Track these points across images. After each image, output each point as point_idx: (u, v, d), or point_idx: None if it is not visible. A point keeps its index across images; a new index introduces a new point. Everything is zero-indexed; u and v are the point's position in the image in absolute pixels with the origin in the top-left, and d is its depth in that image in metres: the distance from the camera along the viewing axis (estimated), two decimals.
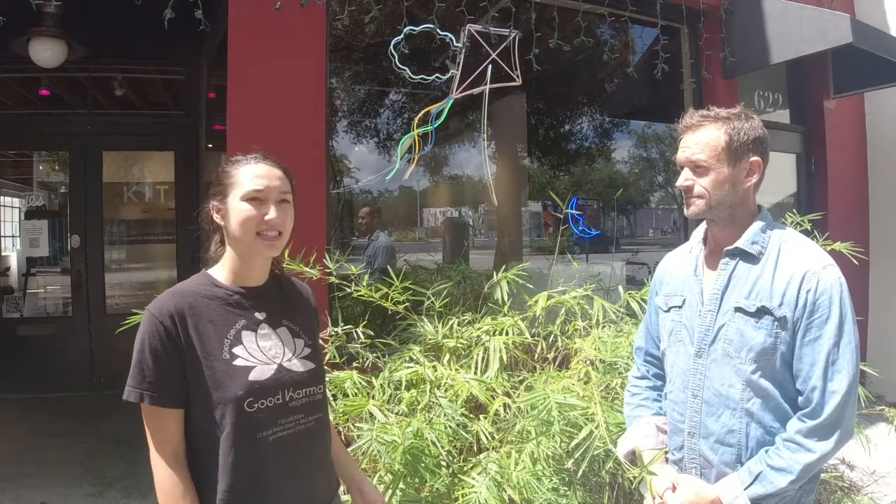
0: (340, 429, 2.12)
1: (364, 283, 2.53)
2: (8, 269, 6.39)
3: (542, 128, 7.21)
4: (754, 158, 1.45)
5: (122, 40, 4.61)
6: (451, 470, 2.04)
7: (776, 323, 1.37)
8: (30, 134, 5.56)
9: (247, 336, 1.27)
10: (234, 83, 3.03)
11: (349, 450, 1.64)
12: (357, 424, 2.04)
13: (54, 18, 3.98)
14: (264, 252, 1.29)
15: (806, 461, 1.32)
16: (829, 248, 2.53)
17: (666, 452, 1.56)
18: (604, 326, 2.47)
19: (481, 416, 2.16)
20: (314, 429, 1.31)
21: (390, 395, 2.24)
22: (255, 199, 1.26)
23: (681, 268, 1.60)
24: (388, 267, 4.21)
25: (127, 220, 5.84)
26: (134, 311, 2.08)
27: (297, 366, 1.30)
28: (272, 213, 1.26)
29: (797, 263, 1.39)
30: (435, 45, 3.39)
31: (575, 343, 2.39)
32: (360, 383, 2.25)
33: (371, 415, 2.07)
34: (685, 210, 1.50)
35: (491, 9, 3.30)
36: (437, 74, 3.03)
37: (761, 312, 1.39)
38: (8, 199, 7.49)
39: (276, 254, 1.33)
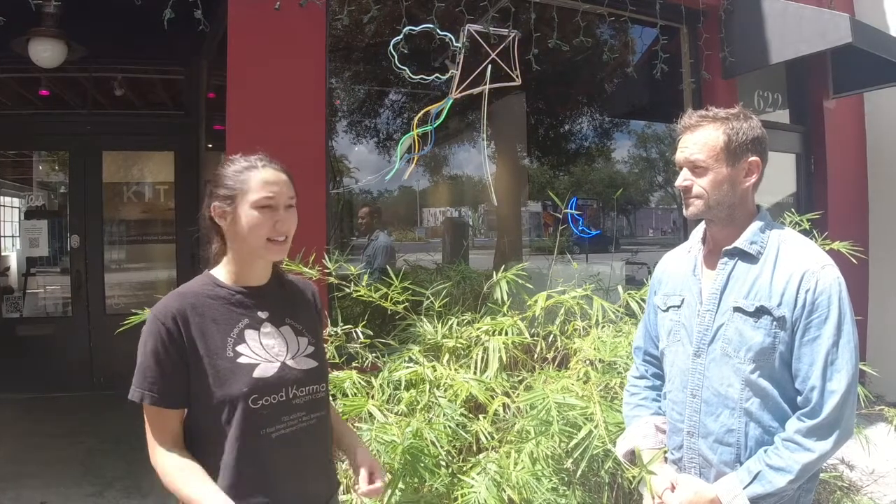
0: None
1: (363, 283, 2.54)
2: (8, 269, 6.40)
3: (541, 128, 7.21)
4: (753, 158, 1.45)
5: (122, 40, 4.61)
6: (450, 470, 2.04)
7: (775, 323, 1.38)
8: (30, 134, 5.56)
9: (250, 334, 1.29)
10: (234, 83, 3.03)
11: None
12: (356, 424, 2.05)
13: (54, 18, 3.98)
14: (274, 257, 1.33)
15: (805, 461, 1.32)
16: (827, 248, 2.53)
17: (665, 452, 1.56)
18: (603, 326, 2.47)
19: (480, 416, 2.16)
20: (316, 427, 1.32)
21: (390, 395, 2.24)
22: (266, 206, 1.27)
23: (679, 267, 1.60)
24: (388, 267, 4.20)
25: (127, 220, 5.84)
26: (134, 311, 2.09)
27: (300, 364, 1.31)
28: (282, 220, 1.29)
29: (796, 263, 1.39)
30: (434, 45, 3.39)
31: (574, 343, 2.39)
32: (360, 383, 2.25)
33: (370, 415, 2.07)
34: (684, 210, 1.50)
35: (490, 9, 3.30)
36: (437, 74, 3.03)
37: (760, 312, 1.39)
38: (8, 199, 7.49)
39: (283, 257, 1.35)
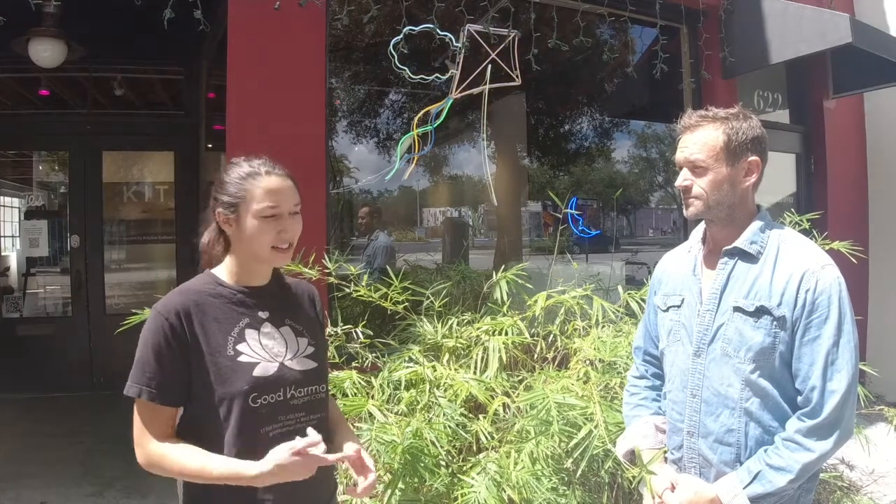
0: None
1: (363, 283, 2.54)
2: (8, 269, 6.40)
3: (541, 128, 7.21)
4: (753, 158, 1.45)
5: (122, 40, 4.61)
6: (450, 470, 2.04)
7: (775, 322, 1.38)
8: (30, 134, 5.56)
9: (250, 334, 1.29)
10: (234, 83, 3.03)
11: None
12: (356, 424, 2.04)
13: (54, 18, 3.98)
14: (279, 263, 1.34)
15: (805, 460, 1.32)
16: (827, 248, 2.53)
17: (665, 452, 1.56)
18: (603, 326, 2.47)
19: (480, 416, 2.16)
20: (315, 428, 1.31)
21: (389, 395, 2.24)
22: (269, 216, 1.27)
23: (679, 267, 1.60)
24: (388, 267, 4.21)
25: (127, 220, 5.84)
26: (134, 311, 2.09)
27: (299, 364, 1.32)
28: (287, 230, 1.29)
29: (796, 263, 1.39)
30: (434, 45, 3.39)
31: (574, 343, 2.39)
32: (360, 383, 2.25)
33: (370, 414, 2.08)
34: (684, 210, 1.50)
35: (490, 9, 3.30)
36: (437, 74, 3.03)
37: (760, 312, 1.39)
38: (8, 199, 7.50)
39: (288, 262, 1.36)
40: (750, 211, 1.48)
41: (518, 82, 3.21)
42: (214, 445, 1.21)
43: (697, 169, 1.45)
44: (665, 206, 8.79)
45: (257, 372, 1.24)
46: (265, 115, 3.03)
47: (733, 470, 1.40)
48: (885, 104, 5.09)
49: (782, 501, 1.38)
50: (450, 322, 2.52)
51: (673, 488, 1.45)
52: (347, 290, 2.59)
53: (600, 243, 6.30)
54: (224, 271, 1.34)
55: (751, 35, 4.16)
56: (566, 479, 2.01)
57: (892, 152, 5.10)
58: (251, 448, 1.21)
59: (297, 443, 1.17)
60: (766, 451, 1.37)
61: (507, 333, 2.36)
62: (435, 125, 3.02)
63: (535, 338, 2.47)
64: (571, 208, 2.79)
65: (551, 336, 2.49)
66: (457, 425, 2.04)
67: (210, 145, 5.62)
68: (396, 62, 2.85)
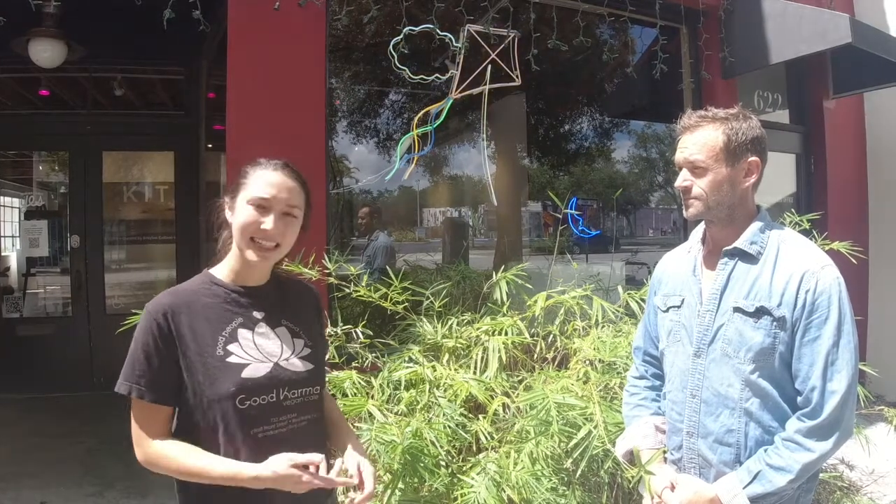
0: None
1: (363, 284, 2.54)
2: (8, 269, 6.40)
3: (541, 128, 7.21)
4: (752, 158, 1.45)
5: (122, 40, 4.61)
6: (450, 470, 2.04)
7: (775, 323, 1.38)
8: (30, 134, 5.56)
9: (243, 334, 1.29)
10: (234, 83, 3.03)
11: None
12: (356, 424, 2.04)
13: (54, 18, 3.99)
14: (253, 258, 1.28)
15: (805, 461, 1.32)
16: (827, 248, 2.53)
17: (664, 452, 1.56)
18: (603, 326, 2.47)
19: (480, 416, 2.16)
20: (306, 429, 1.31)
21: (389, 395, 2.24)
22: (259, 205, 1.27)
23: (679, 268, 1.60)
24: (388, 267, 4.21)
25: (127, 220, 5.84)
26: (134, 311, 2.08)
27: (294, 365, 1.31)
28: (269, 224, 1.26)
29: (796, 263, 1.39)
30: (434, 46, 3.39)
31: (574, 343, 2.39)
32: (360, 383, 2.25)
33: (370, 414, 2.08)
34: (684, 211, 1.50)
35: (490, 9, 3.30)
36: (437, 74, 3.03)
37: (760, 312, 1.39)
38: (8, 199, 7.50)
39: (265, 265, 1.33)
40: (750, 211, 1.48)
41: (518, 82, 3.21)
42: (209, 445, 1.21)
43: (697, 169, 1.45)
44: (665, 207, 8.80)
45: (246, 373, 1.23)
46: (265, 115, 3.03)
47: (733, 470, 1.40)
48: (885, 104, 5.09)
49: (782, 501, 1.38)
50: (450, 322, 2.52)
51: (672, 488, 1.45)
52: (347, 291, 2.59)
53: (600, 243, 6.30)
54: (222, 270, 1.34)
55: (751, 35, 4.16)
56: (566, 479, 2.01)
57: (893, 152, 5.10)
58: (242, 449, 1.21)
59: (299, 457, 1.18)
60: (766, 451, 1.37)
61: (506, 333, 2.36)
62: (435, 125, 3.02)
63: (535, 338, 2.47)
64: (571, 208, 2.78)
65: (551, 336, 2.49)
66: (456, 425, 2.04)
67: (210, 145, 5.61)
68: (396, 62, 2.85)
